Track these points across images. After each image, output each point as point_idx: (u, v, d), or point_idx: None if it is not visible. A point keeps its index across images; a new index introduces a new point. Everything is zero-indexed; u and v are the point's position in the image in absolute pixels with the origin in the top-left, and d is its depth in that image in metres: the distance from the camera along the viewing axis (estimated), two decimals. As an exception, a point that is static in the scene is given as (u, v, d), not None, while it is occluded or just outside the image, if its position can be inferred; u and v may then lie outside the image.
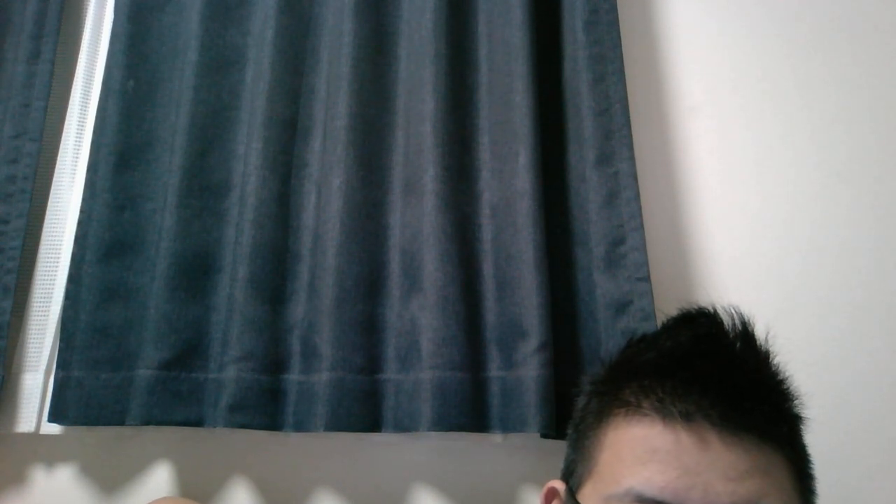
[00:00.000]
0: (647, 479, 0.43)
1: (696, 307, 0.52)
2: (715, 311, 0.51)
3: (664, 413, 0.45)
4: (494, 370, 0.78)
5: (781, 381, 0.49)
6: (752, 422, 0.44)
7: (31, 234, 0.91)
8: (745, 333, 0.49)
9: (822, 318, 0.82)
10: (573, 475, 0.51)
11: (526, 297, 0.77)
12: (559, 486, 0.53)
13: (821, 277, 0.83)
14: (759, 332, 0.50)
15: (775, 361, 0.50)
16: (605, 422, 0.49)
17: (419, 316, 0.80)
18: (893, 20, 0.91)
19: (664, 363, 0.49)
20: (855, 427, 0.78)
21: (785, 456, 0.45)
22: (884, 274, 0.82)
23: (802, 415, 0.50)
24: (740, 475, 0.42)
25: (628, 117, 0.83)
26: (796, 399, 0.50)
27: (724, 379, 0.46)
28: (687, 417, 0.44)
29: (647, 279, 0.77)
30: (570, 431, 0.55)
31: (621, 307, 0.78)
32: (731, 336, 0.49)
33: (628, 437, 0.47)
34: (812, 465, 0.50)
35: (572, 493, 0.50)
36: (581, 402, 0.55)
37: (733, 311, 0.50)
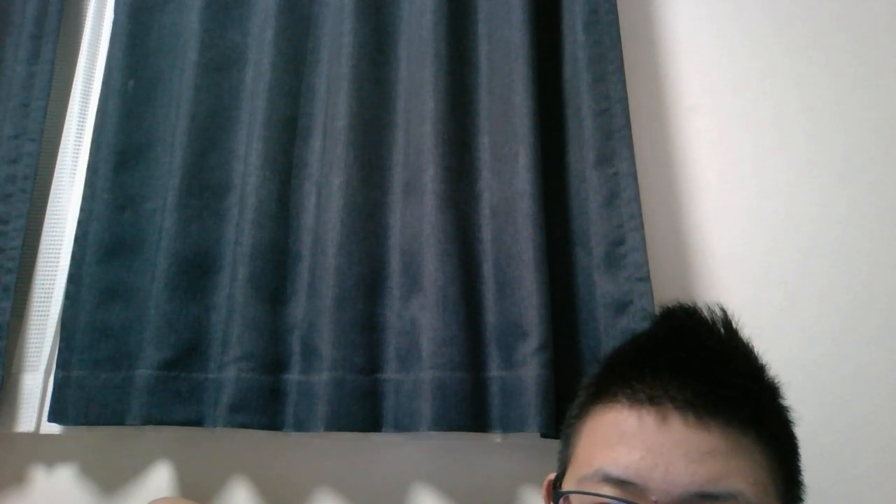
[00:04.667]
0: (614, 459, 0.46)
1: (677, 303, 0.53)
2: (694, 306, 0.52)
3: (633, 399, 0.48)
4: (494, 370, 0.78)
5: (755, 371, 0.50)
6: (718, 406, 0.46)
7: (31, 234, 0.91)
8: (721, 326, 0.51)
9: (822, 318, 0.82)
10: (560, 465, 0.54)
11: (526, 297, 0.77)
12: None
13: (820, 277, 0.83)
14: (738, 326, 0.51)
15: (752, 353, 0.51)
16: (586, 412, 0.52)
17: (419, 316, 0.80)
18: (893, 20, 0.91)
19: (639, 354, 0.52)
20: (854, 426, 0.78)
21: (754, 441, 0.46)
22: (883, 274, 0.82)
23: (781, 403, 0.51)
24: (701, 456, 0.44)
25: (628, 117, 0.83)
26: (773, 388, 0.51)
27: (692, 366, 0.48)
28: (652, 400, 0.47)
29: (647, 279, 0.77)
30: (562, 428, 0.57)
31: (621, 307, 0.78)
32: (706, 328, 0.51)
33: (602, 423, 0.49)
34: (794, 454, 0.50)
35: (558, 480, 0.52)
36: (574, 401, 0.57)
37: (713, 306, 0.51)
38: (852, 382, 0.79)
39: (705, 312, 0.52)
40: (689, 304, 0.53)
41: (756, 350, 0.52)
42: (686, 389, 0.46)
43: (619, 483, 0.45)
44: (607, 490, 0.45)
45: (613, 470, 0.45)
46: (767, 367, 0.51)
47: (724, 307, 0.51)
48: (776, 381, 0.51)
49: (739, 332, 0.51)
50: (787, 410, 0.51)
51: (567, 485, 0.49)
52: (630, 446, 0.46)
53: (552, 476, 0.55)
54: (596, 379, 0.53)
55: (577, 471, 0.49)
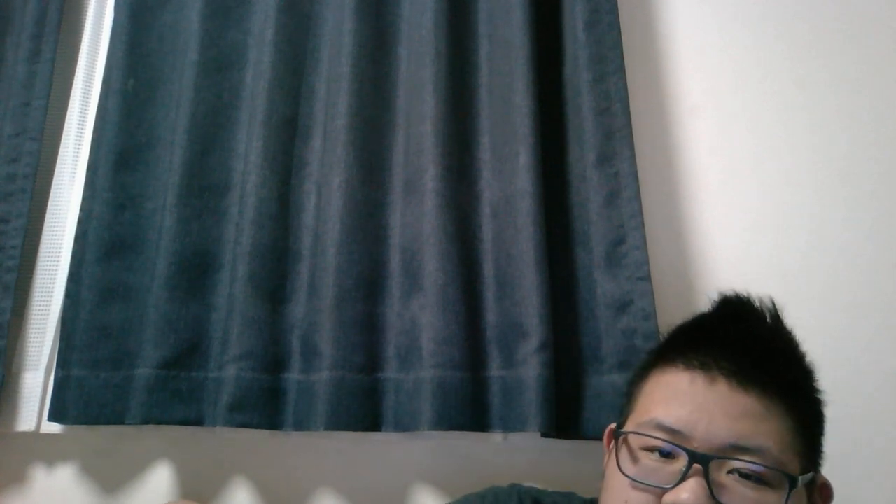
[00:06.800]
0: (666, 411, 0.54)
1: (734, 292, 0.61)
2: (748, 295, 0.60)
3: (688, 364, 0.56)
4: (495, 369, 0.78)
5: (793, 354, 0.58)
6: (756, 376, 0.53)
7: (32, 234, 0.91)
8: (769, 315, 0.59)
9: (822, 317, 0.82)
10: (622, 416, 0.62)
11: (526, 297, 0.77)
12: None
13: (820, 277, 0.83)
14: (784, 316, 0.59)
15: (794, 340, 0.59)
16: (647, 374, 0.61)
17: (419, 315, 0.80)
18: (893, 20, 0.91)
19: (696, 331, 0.61)
20: (854, 426, 0.78)
21: (784, 409, 0.53)
22: (883, 273, 0.82)
23: (814, 385, 0.58)
24: (739, 415, 0.52)
25: (629, 117, 0.83)
26: (807, 371, 0.58)
27: (739, 342, 0.56)
28: (703, 366, 0.55)
29: (647, 279, 0.77)
30: (626, 387, 0.65)
31: (622, 306, 0.78)
32: (755, 315, 0.59)
33: (660, 383, 0.58)
34: (819, 428, 0.57)
35: (619, 426, 0.61)
36: (638, 366, 0.65)
37: (764, 298, 0.60)
38: (853, 383, 0.79)
39: (757, 302, 0.60)
40: (745, 293, 0.60)
41: (797, 339, 0.59)
42: (732, 361, 0.54)
43: (670, 431, 0.53)
44: (660, 435, 0.53)
45: (666, 420, 0.53)
46: (806, 354, 0.58)
47: (774, 300, 0.59)
48: (812, 367, 0.58)
49: (784, 321, 0.59)
50: (819, 392, 0.58)
51: (627, 429, 0.58)
52: (682, 402, 0.54)
53: (613, 425, 0.63)
54: (659, 348, 0.63)
55: (636, 419, 0.58)
